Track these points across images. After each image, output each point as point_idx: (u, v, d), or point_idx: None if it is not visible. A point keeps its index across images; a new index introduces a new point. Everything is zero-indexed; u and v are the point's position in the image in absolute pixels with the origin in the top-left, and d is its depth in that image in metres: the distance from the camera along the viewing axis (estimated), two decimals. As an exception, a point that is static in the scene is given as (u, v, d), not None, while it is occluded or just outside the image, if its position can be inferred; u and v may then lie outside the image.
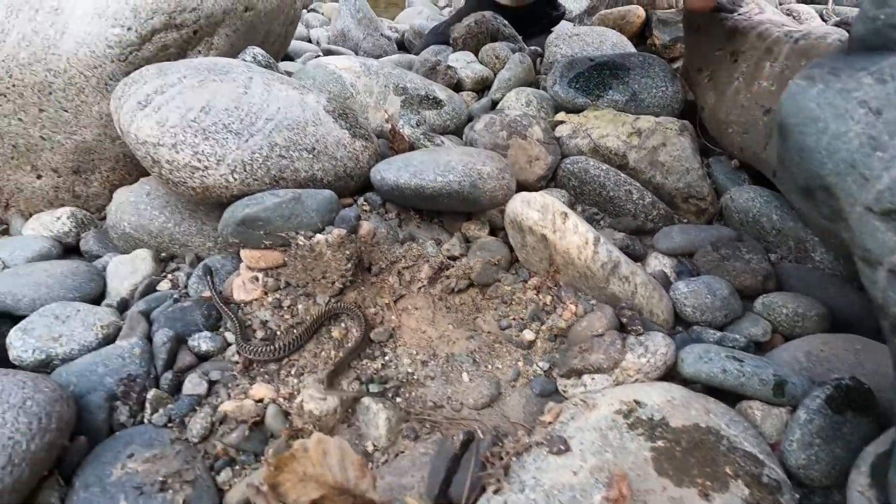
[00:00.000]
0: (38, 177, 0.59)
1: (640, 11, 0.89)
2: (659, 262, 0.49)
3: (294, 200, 0.43)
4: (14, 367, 0.43)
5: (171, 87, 0.47)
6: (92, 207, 0.62)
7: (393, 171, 0.46)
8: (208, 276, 0.45)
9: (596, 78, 0.63)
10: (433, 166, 0.44)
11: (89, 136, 0.58)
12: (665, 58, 0.84)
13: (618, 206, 0.52)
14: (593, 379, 0.37)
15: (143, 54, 0.58)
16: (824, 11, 1.41)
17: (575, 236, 0.41)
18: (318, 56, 1.30)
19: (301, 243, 0.44)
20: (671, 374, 0.38)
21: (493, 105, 0.73)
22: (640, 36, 0.91)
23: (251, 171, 0.44)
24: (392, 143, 0.57)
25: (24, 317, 0.46)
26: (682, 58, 0.82)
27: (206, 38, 0.64)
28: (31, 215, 0.60)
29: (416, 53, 1.15)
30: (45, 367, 0.42)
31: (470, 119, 0.70)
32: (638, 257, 0.50)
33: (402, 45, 1.39)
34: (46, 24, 0.53)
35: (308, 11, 1.67)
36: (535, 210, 0.42)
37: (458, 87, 0.78)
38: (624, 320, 0.39)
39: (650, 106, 0.60)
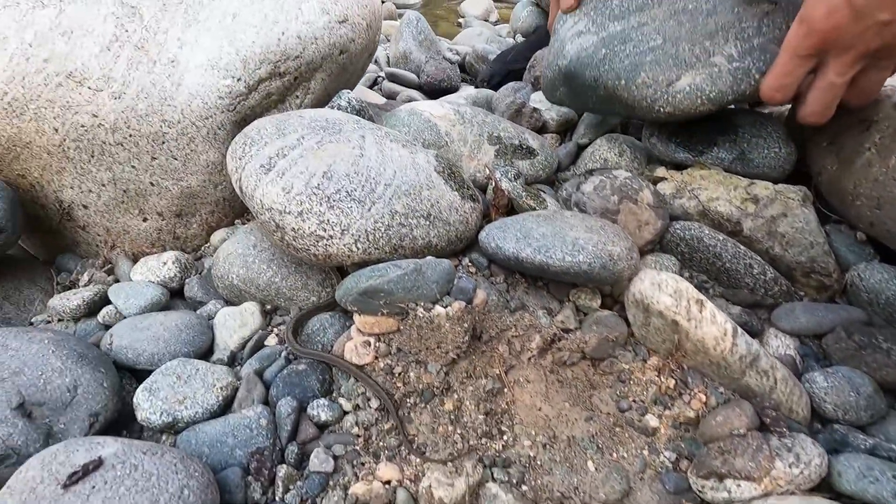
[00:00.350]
0: (144, 220, 0.60)
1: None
2: (781, 343, 0.47)
3: (415, 272, 0.43)
4: (141, 428, 0.44)
5: (292, 150, 0.47)
6: (189, 248, 0.64)
7: (511, 242, 0.45)
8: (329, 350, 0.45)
9: (700, 133, 0.61)
10: (559, 244, 0.43)
11: (195, 182, 0.59)
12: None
13: (733, 278, 0.50)
14: (739, 486, 0.35)
15: (249, 103, 0.59)
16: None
17: (713, 327, 0.39)
18: (380, 77, 1.31)
19: (420, 314, 0.44)
20: (822, 484, 0.36)
21: (579, 150, 0.72)
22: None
23: (373, 240, 0.44)
24: (494, 201, 0.56)
25: (143, 371, 0.47)
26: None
27: (304, 84, 0.64)
28: (134, 255, 0.62)
29: (482, 80, 1.14)
30: (170, 429, 0.42)
31: (559, 168, 0.69)
32: (755, 333, 0.48)
33: (464, 68, 1.38)
34: (164, 77, 0.54)
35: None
36: (668, 295, 0.40)
37: (542, 129, 0.77)
38: (767, 420, 0.37)
39: (759, 166, 0.58)
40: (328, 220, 0.43)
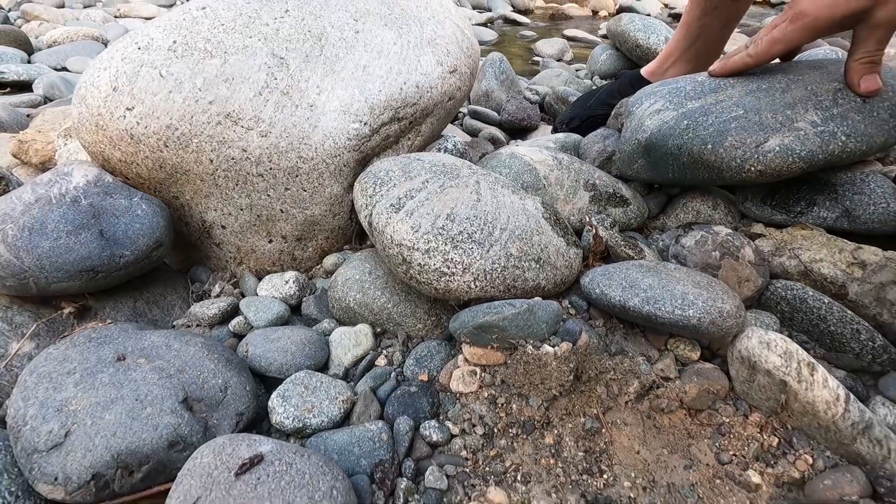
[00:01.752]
0: (270, 241, 0.67)
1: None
2: (889, 412, 0.46)
3: (528, 312, 0.46)
4: (269, 429, 0.49)
5: (419, 193, 0.52)
6: (303, 268, 0.70)
7: (617, 290, 0.48)
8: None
9: (796, 194, 0.62)
10: (668, 297, 0.45)
11: (318, 211, 0.66)
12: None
13: (838, 341, 0.50)
14: (852, 553, 0.35)
15: (371, 144, 0.66)
16: None
17: (824, 390, 0.40)
18: (461, 114, 1.38)
19: (529, 351, 0.47)
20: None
21: (668, 199, 0.74)
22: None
23: (490, 279, 0.48)
24: (593, 248, 0.59)
25: (271, 379, 0.53)
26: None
27: (416, 127, 0.71)
28: (257, 272, 0.69)
29: (561, 123, 1.18)
30: (298, 434, 0.47)
31: (648, 216, 0.72)
32: (860, 400, 0.48)
33: (542, 108, 1.43)
34: (303, 119, 0.62)
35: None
36: (777, 355, 0.42)
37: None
38: (882, 490, 0.38)
39: (868, 222, 0.58)
40: (452, 259, 0.48)
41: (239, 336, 0.59)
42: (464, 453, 0.46)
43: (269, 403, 0.48)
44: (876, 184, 0.58)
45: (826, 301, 0.51)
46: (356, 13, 0.71)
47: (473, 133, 1.26)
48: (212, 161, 0.61)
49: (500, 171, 0.69)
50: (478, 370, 0.50)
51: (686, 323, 0.44)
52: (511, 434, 0.47)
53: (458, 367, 0.51)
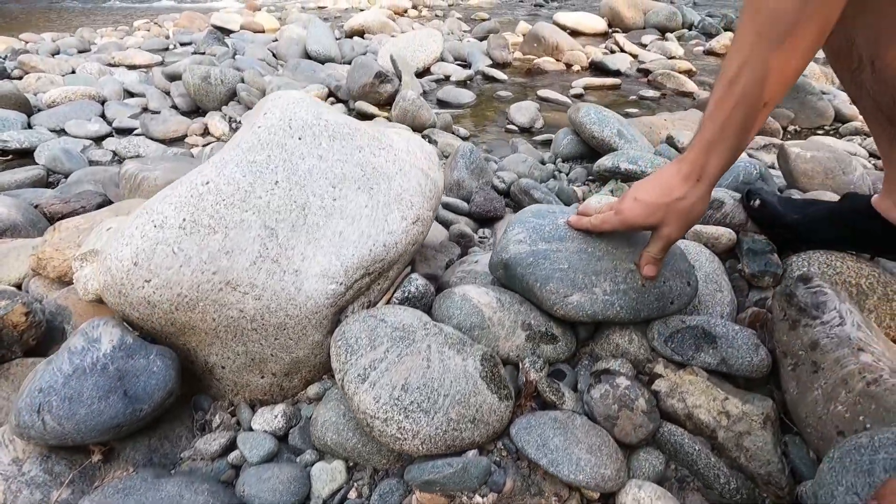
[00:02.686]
0: (262, 377, 0.81)
1: (732, 235, 1.02)
2: (739, 543, 0.61)
3: (463, 470, 0.60)
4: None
5: (380, 363, 0.66)
6: (290, 395, 0.84)
7: (532, 448, 0.62)
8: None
9: (689, 340, 0.77)
10: (566, 461, 0.59)
11: (301, 354, 0.79)
12: (754, 285, 0.96)
13: (706, 480, 0.65)
14: None
15: (346, 298, 0.80)
16: None
17: (674, 543, 0.54)
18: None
19: (464, 500, 0.61)
20: None
21: (596, 328, 0.88)
22: (731, 252, 1.04)
23: (434, 442, 0.62)
24: (525, 390, 0.73)
25: (263, 513, 0.66)
26: (771, 292, 0.94)
27: (385, 274, 0.85)
28: (251, 401, 0.82)
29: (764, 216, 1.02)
30: (284, 567, 0.60)
31: (579, 342, 0.86)
32: (721, 530, 0.62)
33: (508, 194, 1.58)
34: (290, 283, 0.76)
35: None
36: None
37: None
38: None
39: (739, 370, 0.73)
40: (404, 427, 0.62)
41: (236, 467, 0.72)
42: (413, 584, 0.59)
43: (262, 541, 0.61)
44: (743, 340, 0.74)
45: (697, 448, 0.66)
46: (335, 179, 0.85)
47: (446, 225, 1.41)
48: (214, 319, 0.75)
49: (452, 313, 0.83)
50: (427, 508, 0.63)
51: (579, 483, 0.58)
52: (451, 563, 0.61)
53: (412, 504, 0.64)
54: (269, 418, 0.77)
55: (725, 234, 1.02)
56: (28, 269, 1.16)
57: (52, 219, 1.48)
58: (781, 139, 2.10)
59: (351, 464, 0.72)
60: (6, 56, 3.92)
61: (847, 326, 0.67)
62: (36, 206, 1.51)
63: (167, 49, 4.47)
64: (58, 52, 4.20)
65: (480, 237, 1.39)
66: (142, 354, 0.72)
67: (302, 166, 0.84)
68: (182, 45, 4.65)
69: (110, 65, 3.80)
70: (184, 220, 0.76)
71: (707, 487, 0.65)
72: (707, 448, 0.67)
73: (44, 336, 0.91)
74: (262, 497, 0.66)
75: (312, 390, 0.82)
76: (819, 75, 2.78)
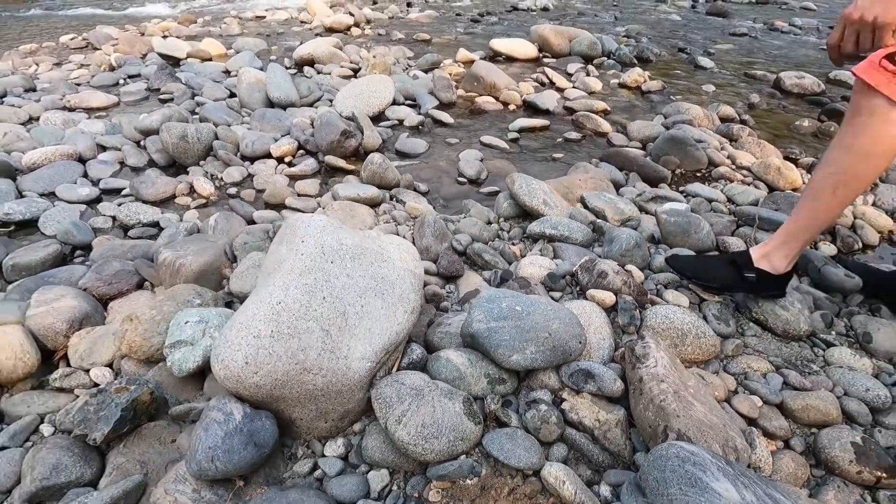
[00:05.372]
0: (325, 422, 1.28)
1: (613, 297, 1.59)
2: None
3: (459, 467, 1.12)
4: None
5: (407, 412, 1.16)
6: (342, 431, 1.32)
7: (496, 450, 1.15)
8: None
9: (581, 376, 1.32)
10: (515, 455, 1.13)
11: (350, 406, 1.27)
12: (625, 331, 1.53)
13: (588, 458, 1.21)
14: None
15: (376, 369, 1.28)
16: (747, 238, 2.08)
17: None
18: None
19: (461, 483, 1.12)
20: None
21: (528, 372, 1.42)
22: (614, 307, 1.61)
23: (441, 453, 1.14)
24: (489, 416, 1.25)
25: (345, 504, 1.15)
26: (635, 336, 1.51)
27: (397, 350, 1.34)
28: (318, 437, 1.29)
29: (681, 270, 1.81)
30: (365, 531, 1.10)
31: (520, 379, 1.40)
32: None
33: (465, 254, 2.09)
34: (342, 366, 1.24)
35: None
36: None
37: (511, 351, 1.48)
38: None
39: (606, 394, 1.29)
40: (425, 447, 1.13)
41: (319, 479, 1.20)
42: (437, 531, 1.10)
43: (350, 519, 1.10)
44: (609, 376, 1.30)
45: (583, 441, 1.21)
46: (360, 291, 1.33)
47: (423, 284, 1.90)
48: (298, 392, 1.21)
49: (441, 371, 1.33)
50: (441, 492, 1.14)
51: (521, 467, 1.12)
52: (456, 518, 1.12)
53: (431, 489, 1.15)
54: (335, 447, 1.25)
55: (609, 296, 1.58)
56: (115, 353, 1.54)
57: (103, 300, 1.82)
58: (670, 182, 2.73)
59: (391, 470, 1.21)
60: (-45, 98, 3.90)
61: (658, 368, 1.24)
62: (85, 290, 1.84)
63: (117, 83, 4.55)
64: (4, 95, 4.18)
65: (448, 292, 1.89)
66: (258, 418, 1.17)
67: (338, 284, 1.31)
68: (130, 77, 4.72)
69: (66, 108, 3.91)
70: (272, 331, 1.21)
71: (588, 462, 1.21)
72: (589, 440, 1.22)
73: (157, 405, 1.33)
74: (344, 495, 1.14)
75: (357, 427, 1.30)
76: (702, 118, 3.47)
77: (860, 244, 2.14)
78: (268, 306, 1.24)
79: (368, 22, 6.84)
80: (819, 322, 1.61)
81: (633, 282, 1.61)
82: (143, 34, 6.32)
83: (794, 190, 2.58)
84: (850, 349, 1.52)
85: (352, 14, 6.87)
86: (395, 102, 3.73)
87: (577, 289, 1.74)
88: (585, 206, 2.26)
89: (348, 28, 6.38)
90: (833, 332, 1.61)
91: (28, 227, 2.49)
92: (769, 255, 1.44)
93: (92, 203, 2.68)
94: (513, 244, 2.11)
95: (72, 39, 6.21)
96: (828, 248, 2.07)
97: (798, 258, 1.48)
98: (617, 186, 2.61)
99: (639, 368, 1.25)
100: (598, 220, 2.13)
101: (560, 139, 3.35)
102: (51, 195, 2.71)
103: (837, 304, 1.70)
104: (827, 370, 1.46)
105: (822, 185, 1.27)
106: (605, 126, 3.45)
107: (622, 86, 4.30)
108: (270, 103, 3.66)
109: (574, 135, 3.37)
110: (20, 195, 2.65)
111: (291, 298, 1.25)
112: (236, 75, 4.09)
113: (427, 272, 1.95)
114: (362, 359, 1.25)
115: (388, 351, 1.30)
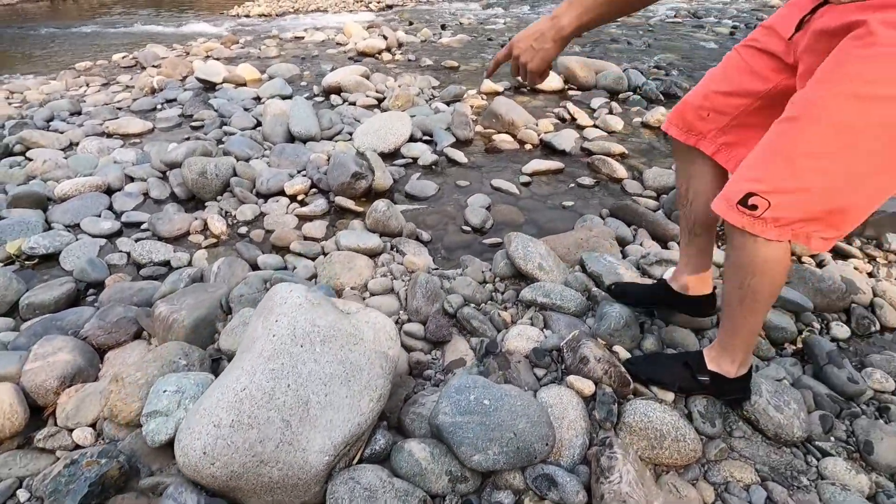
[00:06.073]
0: None
1: (593, 386, 1.53)
2: None
3: (403, 582, 1.10)
4: None
5: (357, 517, 1.15)
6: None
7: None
8: None
9: (544, 482, 1.28)
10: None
11: (307, 498, 1.27)
12: (601, 426, 1.47)
13: None
14: None
15: (334, 463, 1.28)
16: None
17: None
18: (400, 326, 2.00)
19: None
20: None
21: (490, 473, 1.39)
22: (593, 396, 1.55)
23: (387, 566, 1.12)
24: (443, 522, 1.23)
25: None
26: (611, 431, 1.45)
27: (360, 440, 1.34)
28: None
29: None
30: None
31: (485, 475, 1.36)
32: None
33: (455, 316, 2.07)
34: (300, 459, 1.24)
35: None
36: None
37: (480, 441, 1.45)
38: None
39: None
40: (370, 559, 1.11)
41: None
42: None
43: None
44: (572, 486, 1.25)
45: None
46: (326, 378, 1.33)
47: (408, 349, 1.89)
48: (254, 483, 1.23)
49: (402, 464, 1.32)
50: None
51: None
52: None
53: None
54: None
55: (588, 385, 1.53)
56: (99, 413, 1.59)
57: (101, 350, 1.90)
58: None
59: (341, 570, 1.20)
60: (2, 124, 4.18)
61: (622, 485, 1.18)
62: (84, 339, 1.92)
63: (155, 109, 4.78)
64: (51, 119, 4.48)
65: (433, 359, 1.88)
66: (213, 510, 1.19)
67: (304, 371, 1.31)
68: (168, 102, 4.95)
69: (105, 134, 4.12)
70: (232, 420, 1.22)
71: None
72: None
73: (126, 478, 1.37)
74: None
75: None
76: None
77: (878, 325, 1.99)
78: (232, 392, 1.26)
79: (400, 45, 6.95)
80: (817, 425, 1.51)
81: (614, 371, 1.55)
82: (187, 54, 6.65)
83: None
84: (846, 462, 1.41)
85: (385, 37, 7.01)
86: (412, 139, 3.75)
87: (563, 367, 1.69)
88: (584, 270, 2.20)
89: (380, 52, 6.50)
90: (832, 438, 1.50)
91: (51, 259, 2.63)
92: (717, 359, 1.37)
93: (112, 237, 2.81)
94: (505, 308, 2.08)
95: (123, 58, 6.60)
96: (841, 330, 1.94)
97: (752, 361, 1.45)
98: (624, 244, 2.53)
99: (602, 484, 1.20)
100: (595, 289, 2.07)
101: (573, 184, 3.28)
102: (76, 227, 2.86)
103: (840, 405, 1.59)
104: (818, 485, 1.36)
105: (729, 298, 1.25)
106: (621, 171, 3.36)
107: (644, 125, 4.19)
108: (292, 137, 3.76)
109: (588, 180, 3.30)
110: (48, 226, 2.82)
111: (255, 386, 1.27)
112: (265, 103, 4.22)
113: (414, 336, 1.94)
114: (321, 452, 1.25)
115: (349, 443, 1.29)
